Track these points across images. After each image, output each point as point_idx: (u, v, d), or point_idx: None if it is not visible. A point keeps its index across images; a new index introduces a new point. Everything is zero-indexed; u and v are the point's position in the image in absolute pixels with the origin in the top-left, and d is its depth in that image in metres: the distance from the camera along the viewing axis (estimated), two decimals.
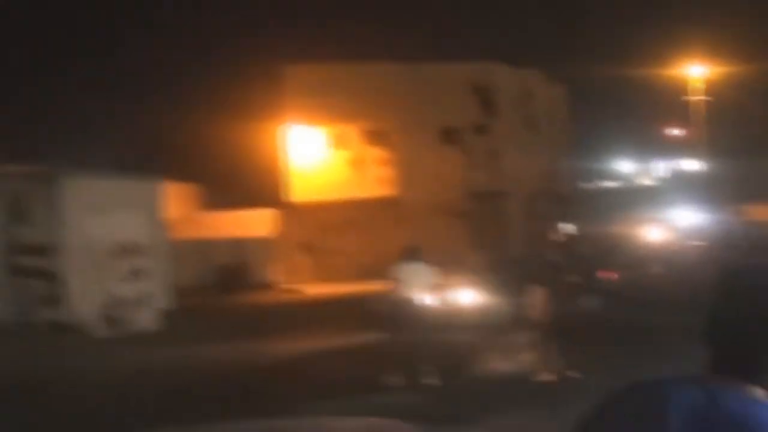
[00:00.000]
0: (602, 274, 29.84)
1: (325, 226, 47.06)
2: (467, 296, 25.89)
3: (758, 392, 2.51)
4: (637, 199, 61.56)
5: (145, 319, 30.28)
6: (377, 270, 23.53)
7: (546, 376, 17.12)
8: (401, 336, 17.55)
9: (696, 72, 64.03)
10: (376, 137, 50.09)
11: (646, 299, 28.51)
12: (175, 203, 42.97)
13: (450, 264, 26.28)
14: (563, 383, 16.71)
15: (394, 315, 17.71)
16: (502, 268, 28.22)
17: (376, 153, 50.36)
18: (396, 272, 17.78)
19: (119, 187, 32.00)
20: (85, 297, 29.68)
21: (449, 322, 22.24)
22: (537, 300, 17.55)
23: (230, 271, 43.78)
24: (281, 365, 21.27)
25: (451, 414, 15.15)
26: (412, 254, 17.98)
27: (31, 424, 16.15)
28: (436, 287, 18.52)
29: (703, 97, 64.40)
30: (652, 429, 2.49)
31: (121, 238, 31.11)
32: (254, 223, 47.33)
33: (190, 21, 60.45)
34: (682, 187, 63.59)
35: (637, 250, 43.39)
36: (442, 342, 19.23)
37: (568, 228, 50.04)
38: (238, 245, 45.11)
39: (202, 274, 42.86)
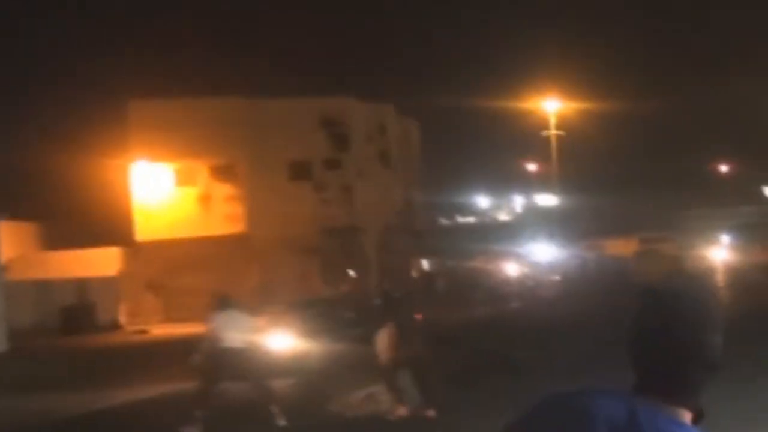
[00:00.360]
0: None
1: (172, 264, 45.94)
2: (285, 341, 25.00)
3: (680, 413, 2.52)
4: (493, 234, 61.62)
5: None
6: None
7: (400, 412, 16.33)
8: (212, 385, 16.71)
9: (550, 107, 64.19)
10: (223, 173, 49.21)
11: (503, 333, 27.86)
12: (13, 242, 41.39)
13: (271, 307, 25.61)
14: (418, 420, 15.91)
15: (209, 364, 16.87)
16: (355, 305, 27.41)
17: (224, 189, 49.46)
18: (209, 322, 17.02)
19: None
20: None
21: (269, 367, 21.40)
22: (385, 338, 16.83)
23: (74, 312, 42.22)
24: (92, 417, 19.97)
25: None
26: (223, 303, 17.24)
27: None
28: (251, 333, 17.79)
29: (556, 132, 64.57)
30: None
31: None
32: (99, 262, 46.06)
33: (34, 52, 58.66)
34: (537, 221, 63.94)
35: (495, 285, 43.11)
36: (272, 386, 18.35)
37: (424, 263, 49.51)
38: (83, 285, 43.66)
39: (43, 315, 41.24)
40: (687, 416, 2.53)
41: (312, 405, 18.37)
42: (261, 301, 32.25)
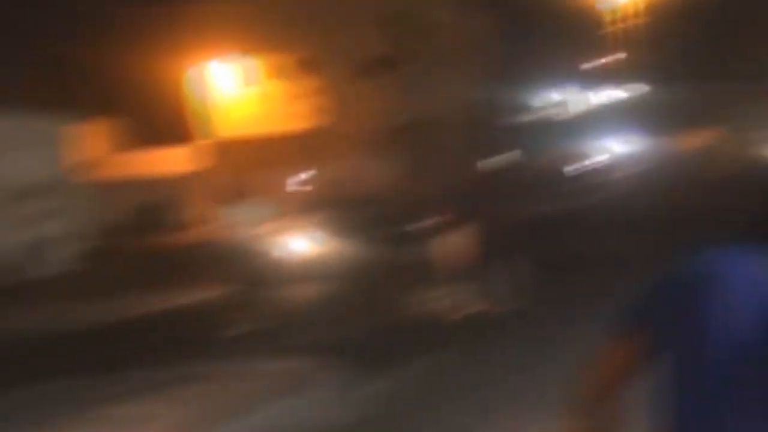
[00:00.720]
0: None
1: (252, 161, 46.10)
2: (310, 241, 24.31)
3: None
4: (570, 128, 61.00)
5: (53, 264, 29.13)
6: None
7: (483, 308, 16.46)
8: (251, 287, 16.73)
9: None
10: (303, 67, 49.16)
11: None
12: (95, 142, 41.81)
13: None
14: (504, 315, 16.05)
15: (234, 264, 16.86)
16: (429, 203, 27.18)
17: (303, 84, 49.40)
18: (225, 216, 16.89)
19: (19, 127, 30.52)
20: None
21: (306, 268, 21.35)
22: (465, 236, 16.85)
23: (153, 209, 42.70)
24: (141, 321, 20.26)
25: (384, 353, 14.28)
26: (239, 194, 17.07)
27: None
28: (272, 230, 17.61)
29: (639, 20, 63.81)
30: (715, 299, 2.51)
31: (24, 179, 29.83)
32: (177, 160, 46.36)
33: None
34: (614, 114, 63.12)
35: (572, 180, 42.88)
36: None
37: (501, 159, 49.38)
38: (161, 183, 44.05)
39: (123, 213, 41.71)
40: None
41: (366, 308, 18.49)
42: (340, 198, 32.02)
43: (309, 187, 43.38)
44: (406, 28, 49.15)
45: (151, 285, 24.45)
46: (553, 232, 26.59)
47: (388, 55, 48.97)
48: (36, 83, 40.67)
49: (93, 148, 42.13)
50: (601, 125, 59.18)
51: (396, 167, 45.16)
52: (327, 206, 27.55)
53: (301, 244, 23.50)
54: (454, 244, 17.06)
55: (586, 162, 49.15)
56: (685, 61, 64.20)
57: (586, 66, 72.15)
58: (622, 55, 69.20)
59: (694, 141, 50.12)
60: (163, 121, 47.39)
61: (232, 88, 50.13)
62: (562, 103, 71.47)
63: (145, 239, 38.47)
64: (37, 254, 29.55)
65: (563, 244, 24.48)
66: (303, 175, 45.98)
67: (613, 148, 53.43)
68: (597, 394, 2.99)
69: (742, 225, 2.74)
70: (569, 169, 47.56)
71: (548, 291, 17.41)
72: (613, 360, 2.94)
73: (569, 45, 66.76)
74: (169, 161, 46.29)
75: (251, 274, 17.60)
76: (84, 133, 38.84)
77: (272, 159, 45.56)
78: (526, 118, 65.27)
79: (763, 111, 51.66)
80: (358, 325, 16.78)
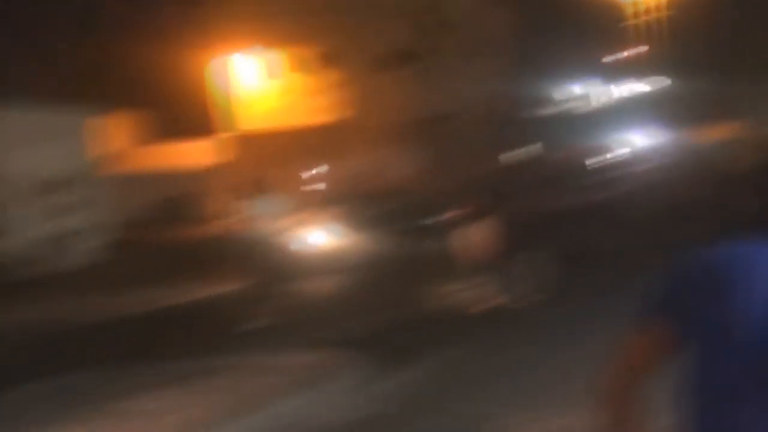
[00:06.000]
0: None
1: (275, 154, 46.11)
2: (328, 235, 24.15)
3: None
4: (589, 122, 60.88)
5: (81, 255, 29.17)
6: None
7: (503, 301, 16.40)
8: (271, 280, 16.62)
9: None
10: (326, 60, 49.20)
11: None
12: (119, 135, 41.89)
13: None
14: (526, 308, 16.00)
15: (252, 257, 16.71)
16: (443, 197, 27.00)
17: (326, 77, 49.44)
18: (246, 209, 16.79)
19: (46, 120, 30.58)
20: (8, 235, 28.51)
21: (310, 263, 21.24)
22: (486, 229, 16.79)
23: (176, 202, 42.76)
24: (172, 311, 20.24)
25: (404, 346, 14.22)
26: (261, 188, 16.96)
27: None
28: (290, 223, 17.52)
29: (662, 13, 63.67)
30: (737, 290, 2.50)
31: (48, 172, 29.88)
32: (199, 153, 46.44)
33: None
34: (634, 108, 62.98)
35: (591, 173, 42.73)
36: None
37: (520, 152, 49.24)
38: (184, 176, 44.11)
39: (146, 206, 41.79)
40: None
41: (386, 301, 18.45)
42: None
43: (330, 180, 43.37)
44: (429, 22, 49.12)
45: (173, 278, 24.48)
46: (575, 225, 26.47)
47: (410, 49, 48.95)
48: (59, 77, 40.83)
49: (116, 141, 42.23)
50: (622, 118, 59.07)
51: (417, 160, 45.11)
52: (348, 199, 27.50)
53: (321, 237, 23.50)
54: (475, 237, 17.02)
55: (608, 155, 49.00)
56: (706, 55, 63.95)
57: (608, 59, 72.00)
58: (644, 49, 69.04)
59: (715, 134, 49.86)
60: (186, 114, 47.45)
61: (255, 81, 50.21)
62: (584, 97, 71.22)
63: (167, 232, 38.52)
64: (61, 247, 29.61)
65: (584, 236, 24.39)
66: (324, 168, 45.98)
67: (634, 142, 53.32)
68: (620, 385, 2.96)
69: (763, 217, 2.72)
70: (591, 162, 47.42)
71: (569, 284, 17.35)
72: (636, 351, 2.92)
73: (591, 38, 66.61)
74: (191, 154, 46.37)
75: (272, 268, 17.52)
76: (107, 126, 38.89)
77: (294, 152, 45.58)
78: (547, 111, 65.09)
79: None
80: (378, 319, 16.74)
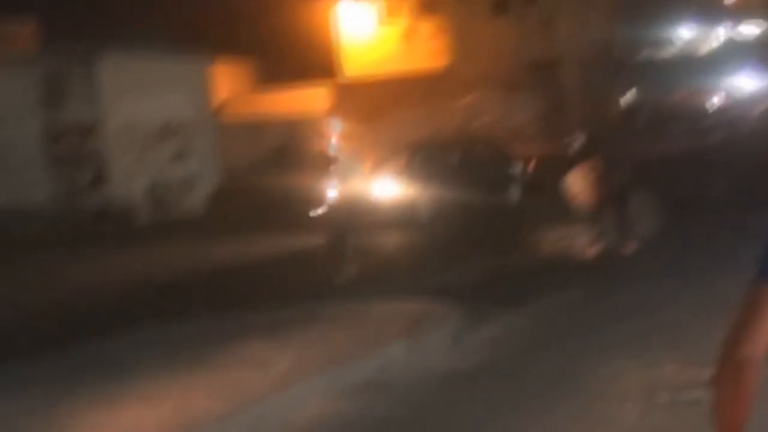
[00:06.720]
0: None
1: (380, 100, 46.04)
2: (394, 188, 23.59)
3: None
4: (695, 66, 59.90)
5: (191, 203, 29.45)
6: None
7: (599, 249, 16.23)
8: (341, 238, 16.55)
9: None
10: (426, 9, 48.99)
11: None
12: (228, 81, 42.06)
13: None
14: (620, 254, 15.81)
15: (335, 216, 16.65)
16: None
17: (427, 26, 49.22)
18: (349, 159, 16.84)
19: (162, 66, 30.92)
20: (129, 181, 28.88)
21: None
22: (584, 176, 16.57)
23: (284, 150, 42.79)
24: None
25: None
26: (341, 151, 17.01)
27: None
28: (367, 180, 17.47)
29: None
30: None
31: (165, 119, 30.23)
32: (308, 100, 46.44)
33: None
34: (740, 53, 61.81)
35: (696, 119, 42.18)
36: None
37: (624, 98, 48.60)
38: (293, 125, 44.14)
39: (255, 155, 41.93)
40: None
41: (483, 250, 18.29)
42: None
43: (433, 128, 43.16)
44: None
45: (269, 228, 24.44)
46: (688, 169, 26.08)
47: None
48: (173, 24, 41.03)
49: (232, 88, 42.49)
50: (732, 62, 58.05)
51: (521, 107, 44.74)
52: (449, 148, 27.10)
53: (417, 187, 23.30)
54: (577, 183, 16.82)
55: (716, 99, 48.34)
56: None
57: (718, 2, 70.62)
58: None
59: None
60: (299, 61, 47.52)
61: (364, 28, 50.19)
62: (693, 41, 69.96)
63: (271, 180, 38.69)
64: (169, 194, 29.91)
65: (691, 182, 24.01)
66: (429, 115, 45.76)
67: (744, 86, 52.48)
68: (737, 339, 2.66)
69: None
70: (699, 106, 46.81)
71: (674, 230, 17.12)
72: (753, 304, 2.67)
73: None
74: (303, 101, 46.35)
75: (369, 218, 17.53)
76: (223, 73, 39.08)
77: (399, 99, 45.45)
78: (655, 55, 64.03)
79: None
80: (474, 269, 16.63)
